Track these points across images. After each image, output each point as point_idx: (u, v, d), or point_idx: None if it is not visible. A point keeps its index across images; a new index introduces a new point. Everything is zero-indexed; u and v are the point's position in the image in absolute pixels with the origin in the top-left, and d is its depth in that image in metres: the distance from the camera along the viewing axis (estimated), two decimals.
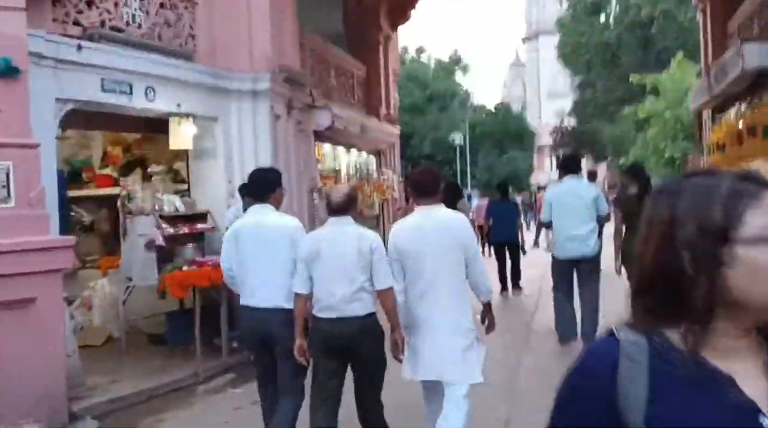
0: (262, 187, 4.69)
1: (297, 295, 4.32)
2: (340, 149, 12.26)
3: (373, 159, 13.40)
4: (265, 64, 8.86)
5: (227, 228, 5.75)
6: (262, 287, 4.52)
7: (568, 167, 7.78)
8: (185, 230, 8.35)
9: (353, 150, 12.65)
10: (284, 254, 4.47)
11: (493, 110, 49.93)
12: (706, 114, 12.73)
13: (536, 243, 9.83)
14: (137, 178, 9.63)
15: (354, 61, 13.05)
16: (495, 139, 47.17)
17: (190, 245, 8.30)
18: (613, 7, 46.25)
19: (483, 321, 4.58)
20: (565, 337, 7.77)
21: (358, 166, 12.84)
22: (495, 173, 45.62)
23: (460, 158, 41.30)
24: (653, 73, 35.84)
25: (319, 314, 4.21)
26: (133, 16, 7.61)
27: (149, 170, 9.80)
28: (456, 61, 55.31)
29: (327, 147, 11.87)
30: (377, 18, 13.47)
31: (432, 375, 4.31)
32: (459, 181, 38.97)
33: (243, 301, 4.70)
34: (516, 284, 11.87)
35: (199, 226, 8.58)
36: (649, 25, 43.59)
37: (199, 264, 7.60)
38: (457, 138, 39.19)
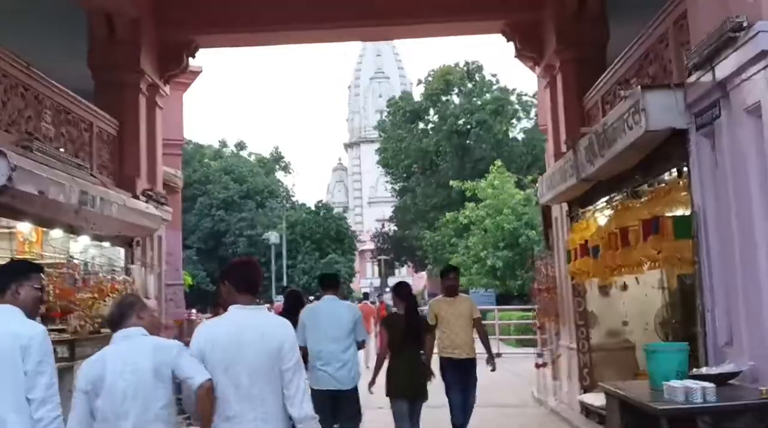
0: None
1: None
2: (56, 233, 7.84)
3: (120, 252, 9.02)
4: None
5: None
6: None
7: (326, 285, 6.69)
8: None
9: (85, 237, 8.23)
10: (12, 371, 3.19)
11: (313, 209, 46.84)
12: (558, 210, 9.85)
13: None
14: None
15: (95, 111, 8.87)
16: (315, 240, 43.82)
17: None
18: (432, 115, 46.10)
19: None
20: None
21: (88, 259, 8.46)
22: (314, 277, 42.05)
23: (275, 260, 37.20)
24: (471, 180, 34.98)
25: None
26: None
27: None
28: (277, 158, 52.30)
29: (25, 227, 7.55)
30: (135, 62, 9.53)
31: None
32: (274, 283, 34.75)
33: None
34: None
35: None
36: (465, 134, 43.64)
37: None
38: (273, 237, 35.21)
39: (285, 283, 36.75)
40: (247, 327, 3.39)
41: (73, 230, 7.90)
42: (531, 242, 30.85)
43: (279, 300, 21.45)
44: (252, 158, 51.41)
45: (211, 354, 3.33)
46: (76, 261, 8.03)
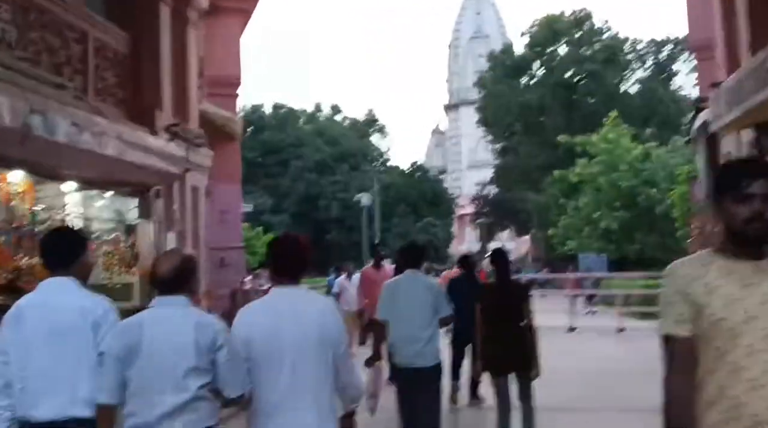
0: (60, 253, 3.26)
1: (100, 408, 3.06)
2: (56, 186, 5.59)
3: (132, 204, 6.72)
4: None
5: None
6: (49, 394, 3.11)
7: (407, 259, 5.72)
8: None
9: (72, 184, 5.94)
10: (85, 348, 3.12)
11: (408, 171, 44.08)
12: (733, 143, 6.68)
13: None
14: None
15: (91, 17, 6.51)
16: (410, 203, 41.13)
17: None
18: (536, 68, 42.02)
19: None
20: None
21: (98, 214, 6.23)
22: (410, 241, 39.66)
23: (368, 223, 34.92)
24: (581, 136, 31.24)
25: None
26: None
27: None
28: (372, 121, 49.80)
29: (17, 176, 5.40)
30: None
31: None
32: (365, 250, 32.50)
33: (21, 412, 3.12)
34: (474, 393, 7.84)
35: None
36: (573, 87, 39.43)
37: None
38: (365, 199, 32.85)
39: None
40: (288, 313, 3.11)
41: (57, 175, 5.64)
42: (652, 202, 27.10)
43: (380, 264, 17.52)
44: (346, 123, 49.19)
45: (250, 346, 3.04)
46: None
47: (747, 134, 6.59)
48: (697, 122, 7.92)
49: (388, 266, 10.20)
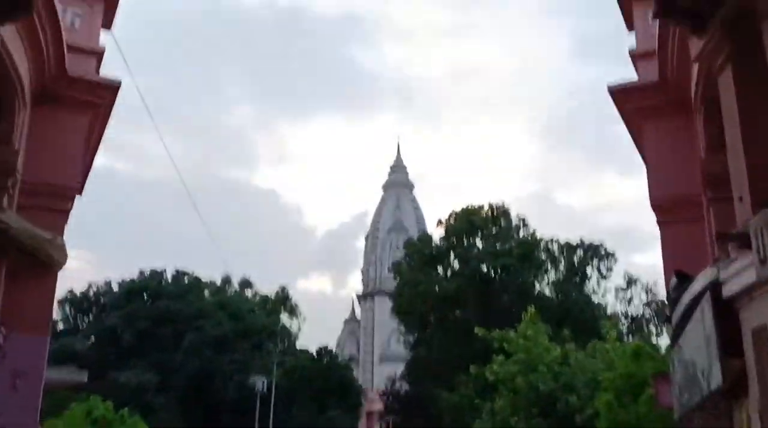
0: None
1: None
2: None
3: None
4: None
5: None
6: None
7: None
8: None
9: None
10: None
11: (315, 356, 40.09)
12: None
13: None
14: None
15: None
16: (315, 390, 36.71)
17: None
18: (452, 259, 40.81)
19: None
20: None
21: None
22: None
23: (265, 411, 30.27)
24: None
25: None
26: None
27: None
28: (283, 299, 46.48)
29: None
30: None
31: None
32: None
33: None
34: None
35: None
36: (490, 281, 38.05)
37: None
38: (260, 383, 28.61)
39: None
40: None
41: None
42: (570, 409, 24.39)
43: None
44: (257, 299, 45.71)
45: None
46: None
47: None
48: (689, 293, 5.43)
49: None
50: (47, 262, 7.39)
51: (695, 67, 6.67)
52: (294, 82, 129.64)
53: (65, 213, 8.00)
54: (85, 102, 7.98)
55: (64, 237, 7.91)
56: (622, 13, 9.03)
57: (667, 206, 7.72)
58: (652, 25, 8.37)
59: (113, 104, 8.50)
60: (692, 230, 7.39)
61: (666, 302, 6.02)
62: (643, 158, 8.94)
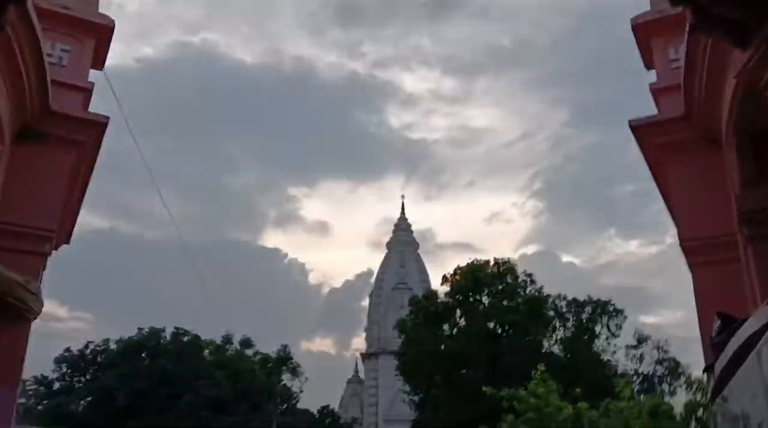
0: None
1: None
2: None
3: None
4: None
5: None
6: None
7: None
8: None
9: None
10: None
11: (316, 416, 38.58)
12: None
13: None
14: None
15: None
16: None
17: None
18: (458, 316, 39.71)
19: None
20: None
21: None
22: None
23: None
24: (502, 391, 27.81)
25: None
26: None
27: None
28: (285, 359, 45.18)
29: None
30: None
31: None
32: None
33: None
34: None
35: None
36: (497, 338, 36.88)
37: None
38: None
39: None
40: None
41: None
42: None
43: None
44: (257, 358, 44.41)
45: None
46: None
47: None
48: (737, 337, 4.68)
49: None
50: (20, 308, 6.69)
51: (727, 93, 6.10)
52: (298, 144, 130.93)
53: (41, 256, 7.32)
54: (68, 140, 7.41)
55: (41, 285, 7.22)
56: (640, 51, 8.54)
57: (698, 248, 7.02)
58: (674, 59, 7.89)
59: (100, 144, 7.94)
60: (728, 271, 6.67)
61: (712, 346, 5.25)
62: (667, 199, 8.31)
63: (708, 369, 5.95)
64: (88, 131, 7.58)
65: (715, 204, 6.90)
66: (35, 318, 7.11)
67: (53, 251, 10.10)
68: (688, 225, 7.13)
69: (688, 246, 7.13)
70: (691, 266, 7.18)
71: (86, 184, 8.89)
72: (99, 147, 7.99)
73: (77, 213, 9.47)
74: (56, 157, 7.40)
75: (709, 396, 6.14)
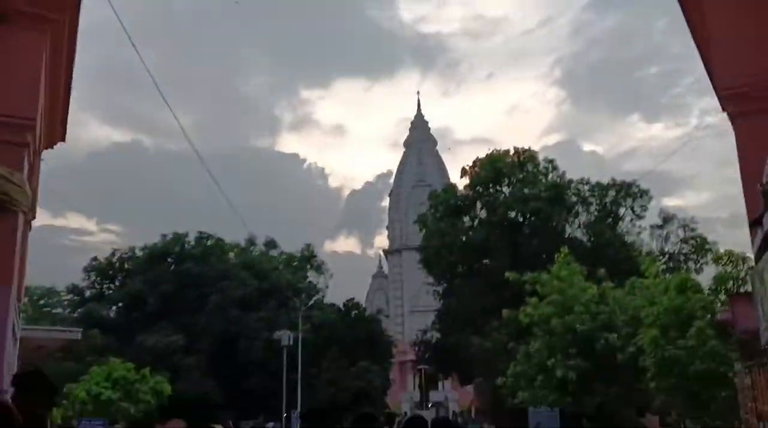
0: None
1: None
2: None
3: None
4: None
5: None
6: None
7: None
8: None
9: None
10: None
11: (342, 309, 39.40)
12: None
13: None
14: None
15: None
16: (344, 345, 36.11)
17: None
18: (479, 208, 39.35)
19: None
20: None
21: None
22: (342, 388, 34.16)
23: (292, 367, 29.64)
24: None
25: None
26: None
27: None
28: (309, 257, 45.68)
29: None
30: None
31: None
32: (286, 399, 27.03)
33: None
34: None
35: None
36: (518, 226, 36.64)
37: None
38: (285, 337, 27.94)
39: (299, 396, 28.83)
40: None
41: None
42: (612, 349, 23.23)
43: None
44: (282, 258, 44.91)
45: None
46: None
47: None
48: None
49: None
50: (4, 201, 6.26)
51: None
52: (310, 43, 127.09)
53: (24, 146, 6.80)
54: (40, 17, 6.68)
55: (26, 176, 6.74)
56: None
57: (741, 94, 6.22)
58: None
59: (77, 22, 7.21)
60: None
61: (763, 194, 4.64)
62: (699, 39, 7.38)
63: (755, 223, 5.38)
64: (61, 6, 6.83)
65: (763, 41, 6.07)
66: (26, 212, 6.69)
67: (48, 148, 9.61)
68: (727, 68, 6.30)
69: (728, 93, 6.35)
70: (733, 117, 6.44)
71: (71, 71, 8.23)
72: (76, 26, 7.26)
73: (67, 105, 8.87)
74: (29, 39, 6.72)
75: (755, 250, 5.58)
